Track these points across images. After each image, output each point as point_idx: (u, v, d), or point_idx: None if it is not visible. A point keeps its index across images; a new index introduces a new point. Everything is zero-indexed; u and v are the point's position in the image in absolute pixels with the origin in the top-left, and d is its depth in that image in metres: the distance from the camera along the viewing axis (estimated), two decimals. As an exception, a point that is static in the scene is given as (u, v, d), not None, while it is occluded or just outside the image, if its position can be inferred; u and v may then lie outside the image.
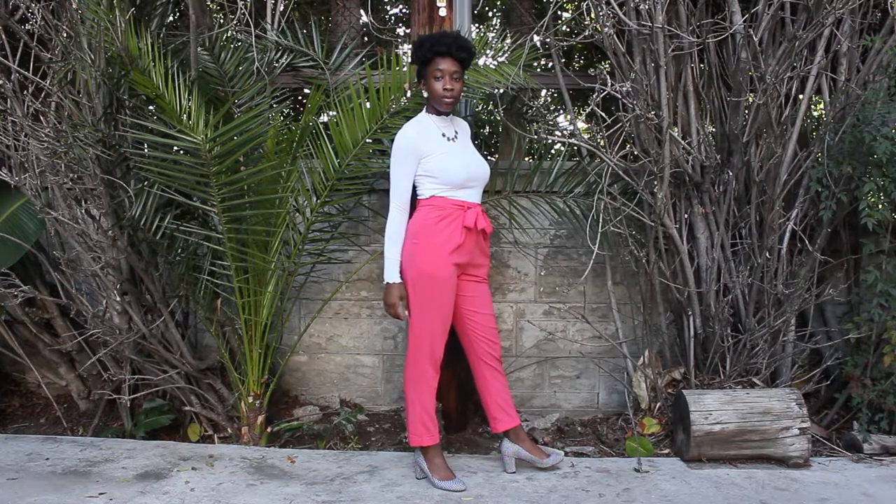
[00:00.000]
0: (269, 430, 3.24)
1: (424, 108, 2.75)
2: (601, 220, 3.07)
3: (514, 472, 2.77)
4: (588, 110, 2.96)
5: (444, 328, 2.67)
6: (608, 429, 3.40)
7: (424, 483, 2.67)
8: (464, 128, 2.83)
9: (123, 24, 2.65)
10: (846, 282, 3.40)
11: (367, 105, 3.05)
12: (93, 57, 2.77)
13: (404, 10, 7.18)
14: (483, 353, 2.75)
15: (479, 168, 2.72)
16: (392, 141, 2.69)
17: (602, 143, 3.17)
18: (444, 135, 2.69)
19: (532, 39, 3.32)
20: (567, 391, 3.75)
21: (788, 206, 3.18)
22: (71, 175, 3.01)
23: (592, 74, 3.43)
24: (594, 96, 2.91)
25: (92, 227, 3.08)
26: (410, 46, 3.15)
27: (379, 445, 3.33)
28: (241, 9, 3.27)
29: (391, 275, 2.63)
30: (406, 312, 2.63)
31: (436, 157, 2.63)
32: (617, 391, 3.71)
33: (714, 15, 3.15)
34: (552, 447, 3.19)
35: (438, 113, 2.70)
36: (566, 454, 3.10)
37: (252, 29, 3.34)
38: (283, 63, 3.52)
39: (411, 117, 2.82)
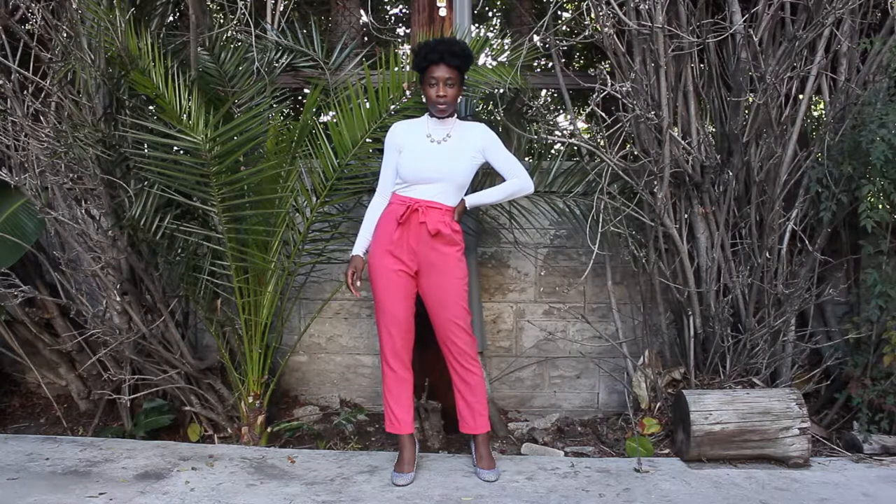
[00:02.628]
0: (269, 430, 3.24)
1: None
2: (601, 220, 3.07)
3: (505, 472, 2.76)
4: (588, 110, 2.96)
5: (391, 322, 2.70)
6: (608, 429, 3.40)
7: (424, 483, 2.67)
8: (465, 133, 2.73)
9: (123, 24, 2.65)
10: (846, 282, 3.39)
11: (367, 105, 3.06)
12: (93, 57, 2.77)
13: (404, 10, 7.17)
14: (447, 352, 2.75)
15: (434, 167, 2.65)
16: None
17: (602, 143, 3.17)
18: (428, 136, 2.71)
19: (532, 39, 3.31)
20: (567, 391, 3.75)
21: (788, 206, 3.18)
22: (71, 175, 3.01)
23: (592, 74, 3.43)
24: (594, 96, 2.91)
25: (92, 227, 3.07)
26: (410, 47, 3.15)
27: (379, 445, 3.33)
28: (241, 9, 3.27)
29: (355, 248, 2.79)
30: (358, 285, 2.75)
31: (405, 155, 2.69)
32: (617, 391, 3.71)
33: (714, 15, 3.15)
34: (552, 447, 3.20)
35: (434, 116, 2.72)
36: (566, 454, 3.11)
37: (252, 29, 3.34)
38: (283, 63, 3.52)
39: (410, 116, 2.86)
